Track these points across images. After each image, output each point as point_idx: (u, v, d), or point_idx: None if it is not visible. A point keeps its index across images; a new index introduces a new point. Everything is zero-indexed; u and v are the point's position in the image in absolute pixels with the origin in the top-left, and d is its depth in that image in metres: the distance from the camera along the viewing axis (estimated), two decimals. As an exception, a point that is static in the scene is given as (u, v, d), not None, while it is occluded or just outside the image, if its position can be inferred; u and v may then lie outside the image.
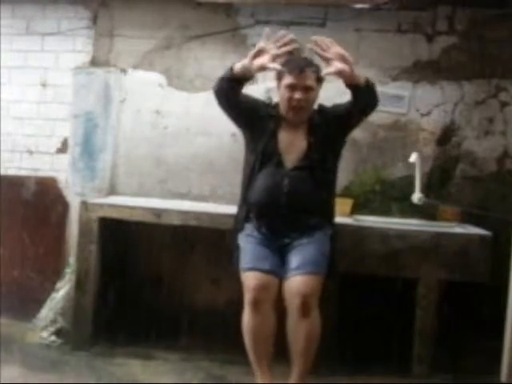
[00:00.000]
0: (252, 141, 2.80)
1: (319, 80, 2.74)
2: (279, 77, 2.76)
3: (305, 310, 2.55)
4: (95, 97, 3.66)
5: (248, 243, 2.70)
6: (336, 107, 2.80)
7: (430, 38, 3.49)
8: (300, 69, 2.68)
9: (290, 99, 2.69)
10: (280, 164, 2.71)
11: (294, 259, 2.64)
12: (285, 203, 2.66)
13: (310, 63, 2.75)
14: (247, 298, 2.60)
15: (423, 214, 3.39)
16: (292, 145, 2.74)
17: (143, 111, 3.68)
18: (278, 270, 2.63)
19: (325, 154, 2.74)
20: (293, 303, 2.57)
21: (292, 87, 2.68)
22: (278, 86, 2.77)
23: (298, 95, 2.67)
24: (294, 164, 2.71)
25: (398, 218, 3.36)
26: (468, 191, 3.47)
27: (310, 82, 2.69)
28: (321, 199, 2.74)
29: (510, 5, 3.30)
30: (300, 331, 2.56)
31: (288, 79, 2.69)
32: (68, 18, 3.73)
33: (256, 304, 2.56)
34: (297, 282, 2.57)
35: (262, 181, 2.71)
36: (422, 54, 3.50)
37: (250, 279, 2.60)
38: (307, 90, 2.68)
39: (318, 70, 2.73)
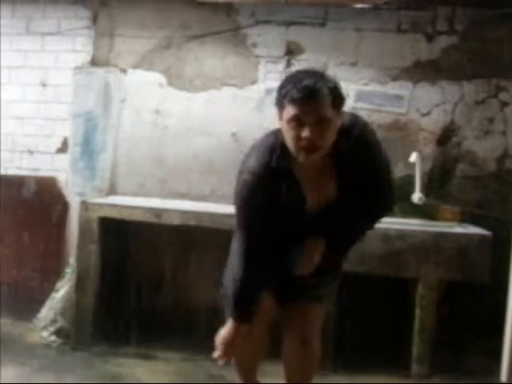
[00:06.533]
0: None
1: (338, 103, 1.80)
2: (280, 103, 1.82)
3: (305, 338, 2.20)
4: (95, 97, 3.66)
5: None
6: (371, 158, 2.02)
7: (429, 38, 3.49)
8: (307, 93, 1.74)
9: (296, 138, 1.78)
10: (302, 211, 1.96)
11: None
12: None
13: (321, 79, 1.80)
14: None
15: (423, 213, 3.39)
16: (315, 190, 1.94)
17: (143, 111, 3.68)
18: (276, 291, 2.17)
19: (352, 192, 1.95)
20: (293, 330, 2.23)
21: (297, 121, 1.77)
22: (279, 116, 1.83)
23: (306, 133, 1.76)
24: (317, 210, 1.97)
25: (398, 218, 3.36)
26: (468, 191, 3.47)
27: (324, 110, 1.76)
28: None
29: (510, 5, 3.30)
30: (298, 361, 2.22)
31: (290, 109, 1.77)
32: (68, 18, 3.73)
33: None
34: (299, 310, 2.20)
35: None
36: (421, 54, 3.50)
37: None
38: (320, 122, 1.76)
39: (334, 87, 1.81)
